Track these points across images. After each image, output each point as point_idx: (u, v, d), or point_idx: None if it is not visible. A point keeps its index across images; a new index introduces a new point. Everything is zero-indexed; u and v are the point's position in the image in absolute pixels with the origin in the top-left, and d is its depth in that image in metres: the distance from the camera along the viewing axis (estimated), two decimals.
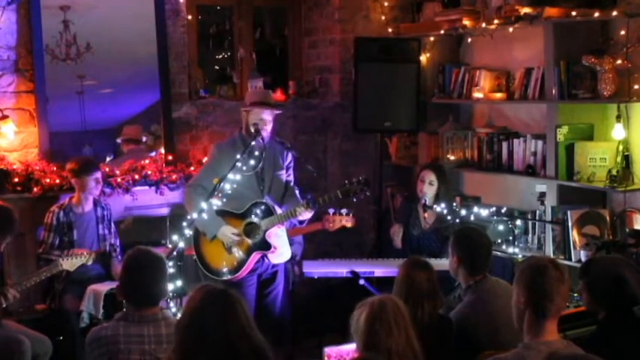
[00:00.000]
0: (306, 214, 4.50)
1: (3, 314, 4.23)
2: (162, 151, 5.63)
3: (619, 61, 4.65)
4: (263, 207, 4.54)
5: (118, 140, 5.71)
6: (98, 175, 4.89)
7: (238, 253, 4.52)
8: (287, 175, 4.76)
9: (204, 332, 2.57)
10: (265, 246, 4.52)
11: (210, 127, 5.81)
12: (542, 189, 5.02)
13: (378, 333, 2.76)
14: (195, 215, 4.31)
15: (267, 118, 4.59)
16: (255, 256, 4.53)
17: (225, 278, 4.47)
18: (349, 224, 4.64)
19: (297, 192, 4.73)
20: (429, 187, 5.06)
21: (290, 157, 4.77)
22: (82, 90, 5.50)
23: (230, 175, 4.40)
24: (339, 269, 4.72)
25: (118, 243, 5.00)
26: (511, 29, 5.14)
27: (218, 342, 2.56)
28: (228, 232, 4.50)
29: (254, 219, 4.53)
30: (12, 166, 5.07)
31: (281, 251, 4.63)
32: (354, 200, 4.53)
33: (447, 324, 3.52)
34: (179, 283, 4.30)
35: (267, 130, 4.60)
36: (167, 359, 2.83)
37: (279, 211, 4.58)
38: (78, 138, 5.61)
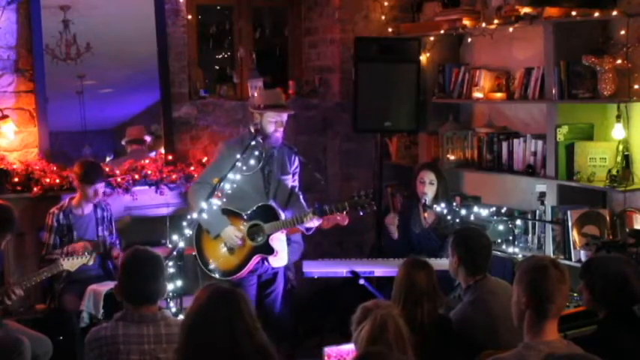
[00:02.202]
0: (313, 222, 4.51)
1: (3, 314, 4.24)
2: (162, 151, 5.63)
3: (619, 61, 4.65)
4: (269, 210, 4.55)
5: (123, 142, 5.72)
6: (100, 186, 4.86)
7: (239, 254, 4.52)
8: (292, 181, 4.76)
9: (210, 331, 2.57)
10: (268, 250, 4.52)
11: (210, 127, 5.81)
12: (542, 189, 5.02)
13: None
14: (195, 215, 4.31)
15: (284, 119, 4.60)
16: (256, 259, 4.53)
17: (223, 278, 4.47)
18: (343, 222, 4.65)
19: (301, 198, 4.73)
20: (429, 187, 5.08)
21: (297, 162, 4.76)
22: (82, 90, 5.50)
23: (230, 175, 4.40)
24: (339, 269, 4.72)
25: (117, 243, 5.00)
26: (511, 29, 5.14)
27: (223, 341, 2.56)
28: (232, 232, 4.50)
29: (259, 221, 4.53)
30: (12, 166, 5.07)
31: (281, 255, 4.64)
32: (361, 214, 4.56)
33: (447, 324, 3.52)
34: (179, 283, 4.30)
35: (280, 131, 4.59)
36: (171, 358, 2.83)
37: (283, 215, 4.58)
38: (78, 138, 5.61)
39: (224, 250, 4.54)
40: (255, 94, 4.80)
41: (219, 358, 2.56)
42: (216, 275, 4.50)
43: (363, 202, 4.48)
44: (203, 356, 2.57)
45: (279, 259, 4.63)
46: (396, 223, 5.16)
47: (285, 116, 4.61)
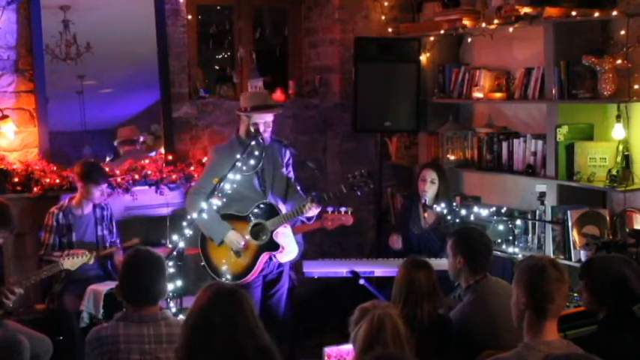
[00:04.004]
0: (313, 211, 4.51)
1: (3, 314, 4.23)
2: (162, 151, 5.63)
3: (619, 61, 4.65)
4: (267, 207, 4.56)
5: (115, 143, 5.71)
6: (105, 186, 4.87)
7: (247, 255, 4.52)
8: (287, 173, 4.77)
9: (212, 330, 2.56)
10: (273, 246, 4.53)
11: (210, 127, 5.81)
12: (542, 189, 5.02)
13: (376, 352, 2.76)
14: (195, 215, 4.31)
15: (270, 120, 4.61)
16: (264, 257, 4.54)
17: (235, 282, 4.46)
18: (348, 222, 4.65)
19: (298, 188, 4.75)
20: (430, 185, 5.09)
21: (288, 154, 4.79)
22: (82, 90, 5.50)
23: (230, 175, 4.41)
24: (339, 269, 4.73)
25: (118, 242, 5.00)
26: (511, 29, 5.14)
27: (225, 341, 2.55)
28: (235, 237, 4.50)
29: (260, 220, 4.53)
30: (12, 166, 5.07)
31: (289, 249, 4.64)
32: (359, 194, 4.55)
33: (447, 324, 3.52)
34: (179, 283, 4.30)
35: (269, 131, 4.61)
36: (172, 358, 2.82)
37: (283, 209, 4.59)
38: (78, 138, 5.61)
39: (231, 254, 4.55)
40: (241, 98, 4.81)
41: (221, 358, 2.56)
42: (227, 281, 4.49)
43: (359, 182, 4.48)
44: (205, 356, 2.56)
45: (287, 254, 4.64)
46: (400, 243, 5.15)
47: (271, 116, 4.62)
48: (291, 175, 4.81)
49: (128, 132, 5.74)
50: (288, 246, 4.63)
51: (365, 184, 4.49)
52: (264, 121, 4.58)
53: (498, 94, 5.43)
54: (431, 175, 5.11)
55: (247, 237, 4.53)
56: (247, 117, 4.60)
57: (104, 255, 4.82)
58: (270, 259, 4.59)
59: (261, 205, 4.56)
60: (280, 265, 4.69)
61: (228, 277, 4.49)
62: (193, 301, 2.73)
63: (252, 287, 4.54)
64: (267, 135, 4.60)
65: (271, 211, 4.55)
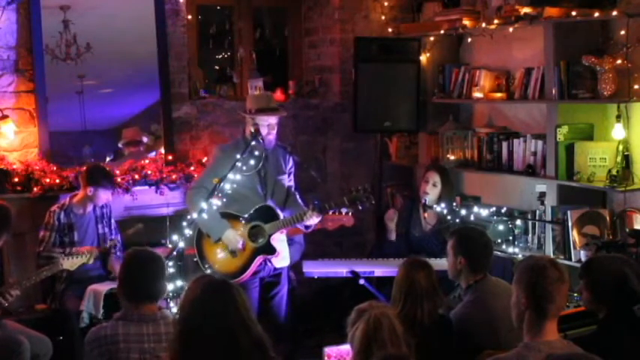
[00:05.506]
0: (313, 220, 4.50)
1: (3, 314, 4.24)
2: (163, 151, 5.63)
3: (619, 61, 4.64)
4: (268, 211, 4.55)
5: (120, 144, 5.72)
6: (111, 192, 4.89)
7: (242, 256, 4.52)
8: (289, 180, 4.76)
9: (205, 322, 2.54)
10: (270, 250, 4.52)
11: (210, 127, 5.81)
12: (542, 189, 5.02)
13: (373, 352, 2.77)
14: (195, 215, 4.31)
15: (274, 122, 4.61)
16: (259, 260, 4.52)
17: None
18: (349, 223, 4.65)
19: (297, 197, 4.74)
20: (432, 188, 5.08)
21: (292, 161, 4.78)
22: (82, 90, 5.50)
23: (230, 175, 4.41)
24: (339, 269, 4.73)
25: (119, 238, 5.00)
26: (511, 29, 5.14)
27: (219, 332, 2.53)
28: (233, 236, 4.50)
29: (259, 222, 4.53)
30: (12, 166, 5.07)
31: (283, 255, 4.64)
32: (360, 208, 4.55)
33: (447, 324, 3.52)
34: (179, 283, 4.31)
35: (273, 134, 4.61)
36: (166, 354, 2.81)
37: (282, 215, 4.58)
38: (78, 138, 5.62)
39: (226, 253, 4.54)
40: (246, 99, 4.82)
41: (216, 351, 2.54)
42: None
43: (362, 197, 4.48)
44: (198, 347, 2.55)
45: (282, 259, 4.64)
46: (396, 220, 5.15)
47: (275, 119, 4.62)
48: (292, 184, 4.80)
49: (132, 133, 5.75)
50: (283, 252, 4.63)
51: (367, 199, 4.49)
52: (268, 123, 4.57)
53: (498, 94, 5.43)
54: (434, 178, 5.10)
55: (244, 238, 4.52)
56: (251, 119, 4.59)
57: (105, 251, 4.83)
58: (265, 262, 4.58)
59: (262, 208, 4.56)
60: (276, 267, 4.68)
61: (221, 275, 4.48)
62: (184, 293, 2.71)
63: (250, 288, 4.52)
64: (271, 137, 4.59)
65: (270, 215, 4.55)
